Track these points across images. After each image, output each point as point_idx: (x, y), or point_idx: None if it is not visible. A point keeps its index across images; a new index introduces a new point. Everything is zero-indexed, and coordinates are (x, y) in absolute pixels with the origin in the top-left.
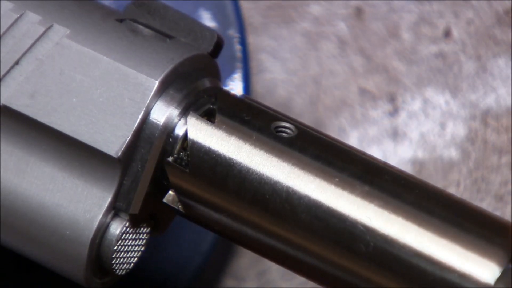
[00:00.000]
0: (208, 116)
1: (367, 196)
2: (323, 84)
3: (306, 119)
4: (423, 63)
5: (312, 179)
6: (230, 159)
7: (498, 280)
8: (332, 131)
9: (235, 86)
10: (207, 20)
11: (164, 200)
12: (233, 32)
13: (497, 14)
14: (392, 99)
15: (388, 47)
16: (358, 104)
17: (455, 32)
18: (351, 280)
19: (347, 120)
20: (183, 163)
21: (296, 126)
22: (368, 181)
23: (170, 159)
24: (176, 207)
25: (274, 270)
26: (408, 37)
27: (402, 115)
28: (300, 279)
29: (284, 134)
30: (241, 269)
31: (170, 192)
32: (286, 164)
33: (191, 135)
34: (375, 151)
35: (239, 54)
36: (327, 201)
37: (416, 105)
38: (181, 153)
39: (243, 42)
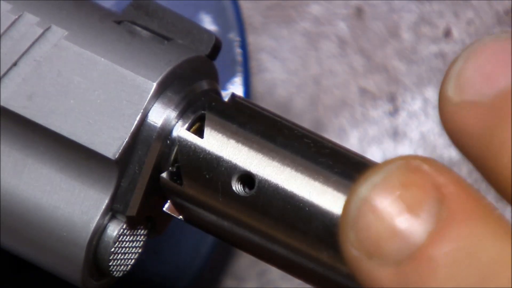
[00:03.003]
0: (202, 121)
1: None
2: (323, 84)
3: (306, 119)
4: (423, 63)
5: (311, 181)
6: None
7: None
8: (332, 131)
9: (235, 90)
10: (208, 23)
11: (165, 209)
12: (233, 36)
13: (497, 14)
14: (392, 99)
15: (388, 47)
16: (358, 104)
17: (455, 32)
18: (349, 283)
19: (347, 120)
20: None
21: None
22: None
23: (165, 175)
24: (176, 216)
25: (274, 270)
26: (408, 37)
27: (402, 115)
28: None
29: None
30: (241, 269)
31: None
32: (286, 167)
33: (183, 147)
34: (375, 151)
35: (239, 57)
36: (328, 205)
37: (416, 105)
38: (174, 170)
39: (243, 45)
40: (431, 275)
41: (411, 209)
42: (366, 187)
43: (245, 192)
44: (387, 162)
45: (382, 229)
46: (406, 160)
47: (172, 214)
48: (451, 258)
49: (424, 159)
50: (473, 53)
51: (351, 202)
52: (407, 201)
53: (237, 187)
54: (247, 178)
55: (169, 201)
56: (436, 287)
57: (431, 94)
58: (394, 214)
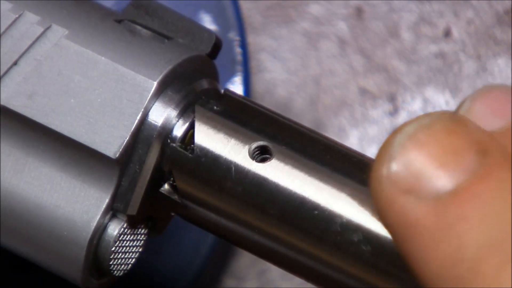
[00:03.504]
0: (212, 117)
1: (367, 198)
2: (323, 84)
3: (306, 119)
4: (423, 63)
5: (310, 180)
6: (229, 160)
7: None
8: (332, 131)
9: (235, 89)
10: (208, 22)
11: (161, 190)
12: (233, 35)
13: (497, 14)
14: (392, 98)
15: (388, 47)
16: (358, 104)
17: (455, 32)
18: (349, 282)
19: (347, 119)
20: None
21: (274, 145)
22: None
23: (175, 144)
24: (173, 198)
25: (274, 269)
26: (408, 37)
27: (402, 115)
28: (300, 279)
29: (261, 157)
30: (241, 269)
31: (166, 186)
32: (285, 166)
33: (197, 126)
34: (375, 151)
35: (239, 57)
36: (327, 203)
37: (416, 104)
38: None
39: (243, 45)
40: (473, 210)
41: (457, 151)
42: (413, 125)
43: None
44: (433, 112)
45: (425, 165)
46: (451, 113)
47: (169, 195)
48: (494, 195)
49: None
50: (481, 94)
51: (394, 138)
52: (453, 144)
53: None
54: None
55: (165, 185)
56: (475, 221)
57: (431, 94)
58: (440, 152)
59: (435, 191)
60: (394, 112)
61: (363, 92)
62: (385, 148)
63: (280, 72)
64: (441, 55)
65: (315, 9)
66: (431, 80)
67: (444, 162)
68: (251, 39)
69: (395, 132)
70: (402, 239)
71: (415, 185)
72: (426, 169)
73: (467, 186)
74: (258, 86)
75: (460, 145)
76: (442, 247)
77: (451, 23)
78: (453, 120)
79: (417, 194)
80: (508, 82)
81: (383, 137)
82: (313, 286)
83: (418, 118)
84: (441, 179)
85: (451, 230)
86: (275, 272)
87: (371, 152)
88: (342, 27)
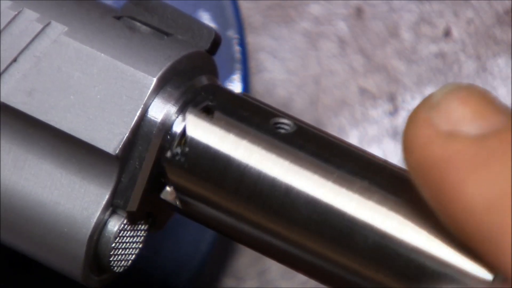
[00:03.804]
0: (206, 113)
1: (366, 192)
2: (323, 84)
3: (306, 119)
4: (423, 62)
5: (310, 175)
6: (228, 155)
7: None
8: (332, 131)
9: (234, 87)
10: (207, 21)
11: (162, 196)
12: (232, 33)
13: (497, 14)
14: (392, 98)
15: (388, 47)
16: (358, 104)
17: (455, 32)
18: (350, 278)
19: (347, 119)
20: (181, 160)
21: (294, 123)
22: (366, 178)
23: (169, 154)
24: (174, 203)
25: (274, 269)
26: (408, 36)
27: (402, 115)
28: (300, 278)
29: (282, 130)
30: (241, 269)
31: (168, 188)
32: (284, 161)
33: (189, 132)
34: (375, 151)
35: (238, 55)
36: (326, 198)
37: (416, 104)
38: (179, 151)
39: (242, 43)
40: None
41: (492, 110)
42: (453, 84)
43: None
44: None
45: (465, 113)
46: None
47: (170, 201)
48: None
49: None
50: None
51: (435, 93)
52: (489, 105)
53: None
54: None
55: (167, 188)
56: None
57: None
58: (478, 105)
59: (473, 132)
60: (394, 112)
61: (363, 92)
62: (426, 99)
63: (280, 72)
64: (441, 55)
65: (315, 9)
66: (431, 80)
67: (482, 114)
68: (251, 38)
69: (436, 91)
70: (434, 177)
71: (454, 128)
72: (465, 116)
73: (503, 130)
74: (258, 86)
75: (494, 108)
76: (478, 178)
77: (451, 23)
78: (487, 93)
79: (456, 135)
80: (508, 82)
81: (383, 137)
82: (314, 284)
83: (456, 82)
84: (479, 125)
85: (488, 163)
86: (275, 271)
87: (371, 151)
88: (342, 27)
